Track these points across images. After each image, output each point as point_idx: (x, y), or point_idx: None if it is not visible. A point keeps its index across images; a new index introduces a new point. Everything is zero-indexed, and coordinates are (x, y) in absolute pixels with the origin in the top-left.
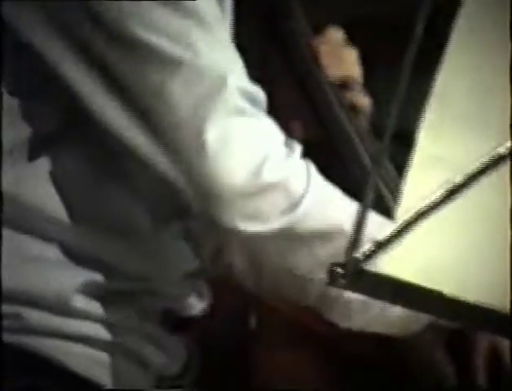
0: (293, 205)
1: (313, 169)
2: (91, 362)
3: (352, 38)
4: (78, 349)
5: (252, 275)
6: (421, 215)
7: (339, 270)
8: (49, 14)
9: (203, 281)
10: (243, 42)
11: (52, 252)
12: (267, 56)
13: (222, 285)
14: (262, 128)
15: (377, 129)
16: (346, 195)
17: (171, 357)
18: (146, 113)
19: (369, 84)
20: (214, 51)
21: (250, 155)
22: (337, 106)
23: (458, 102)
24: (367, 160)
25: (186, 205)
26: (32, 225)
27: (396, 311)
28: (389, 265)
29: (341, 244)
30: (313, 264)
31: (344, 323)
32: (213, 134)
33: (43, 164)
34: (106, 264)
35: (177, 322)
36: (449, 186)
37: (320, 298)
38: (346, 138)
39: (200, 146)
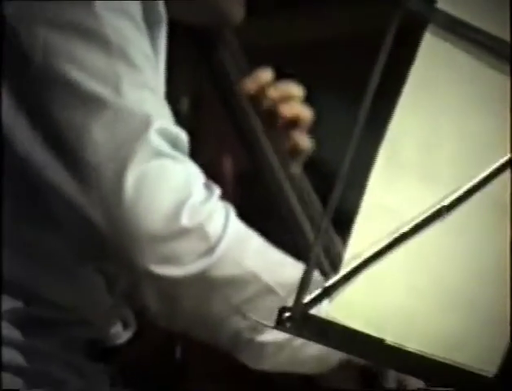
0: (210, 249)
1: (232, 212)
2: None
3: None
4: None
5: (164, 317)
6: (367, 262)
7: (287, 313)
8: None
9: (129, 310)
10: (176, 74)
11: None
12: (200, 88)
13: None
14: (181, 171)
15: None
16: (268, 235)
17: (94, 386)
18: (68, 151)
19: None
20: (139, 93)
21: (168, 200)
22: (264, 142)
23: (407, 152)
24: (293, 196)
25: (102, 244)
26: None
27: (309, 351)
28: (337, 310)
29: (255, 290)
30: (226, 309)
31: (256, 365)
32: (132, 178)
33: None
34: (31, 292)
35: (102, 352)
36: (395, 234)
37: (232, 341)
38: (272, 173)
39: (119, 188)
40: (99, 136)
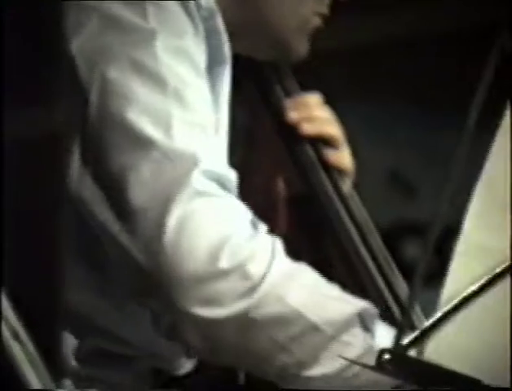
0: (251, 289)
1: (279, 248)
2: None
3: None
4: None
5: (207, 353)
6: (465, 301)
7: (386, 355)
8: None
9: None
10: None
11: None
12: (255, 113)
13: None
14: (224, 210)
15: None
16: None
17: None
18: (114, 190)
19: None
20: (190, 134)
21: (208, 241)
22: (316, 164)
23: (503, 190)
24: (346, 217)
25: (145, 283)
26: None
27: (364, 377)
28: (433, 350)
29: (299, 328)
30: (271, 346)
31: None
32: (173, 219)
33: None
34: (100, 328)
35: (167, 381)
36: (492, 273)
37: (278, 375)
38: (326, 194)
39: (161, 230)
40: (144, 177)
